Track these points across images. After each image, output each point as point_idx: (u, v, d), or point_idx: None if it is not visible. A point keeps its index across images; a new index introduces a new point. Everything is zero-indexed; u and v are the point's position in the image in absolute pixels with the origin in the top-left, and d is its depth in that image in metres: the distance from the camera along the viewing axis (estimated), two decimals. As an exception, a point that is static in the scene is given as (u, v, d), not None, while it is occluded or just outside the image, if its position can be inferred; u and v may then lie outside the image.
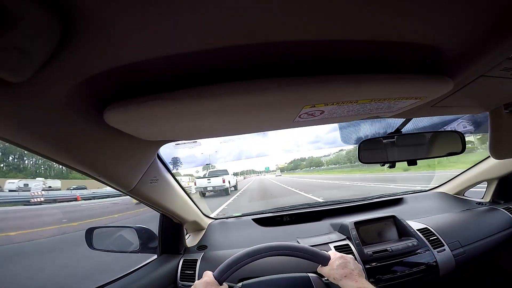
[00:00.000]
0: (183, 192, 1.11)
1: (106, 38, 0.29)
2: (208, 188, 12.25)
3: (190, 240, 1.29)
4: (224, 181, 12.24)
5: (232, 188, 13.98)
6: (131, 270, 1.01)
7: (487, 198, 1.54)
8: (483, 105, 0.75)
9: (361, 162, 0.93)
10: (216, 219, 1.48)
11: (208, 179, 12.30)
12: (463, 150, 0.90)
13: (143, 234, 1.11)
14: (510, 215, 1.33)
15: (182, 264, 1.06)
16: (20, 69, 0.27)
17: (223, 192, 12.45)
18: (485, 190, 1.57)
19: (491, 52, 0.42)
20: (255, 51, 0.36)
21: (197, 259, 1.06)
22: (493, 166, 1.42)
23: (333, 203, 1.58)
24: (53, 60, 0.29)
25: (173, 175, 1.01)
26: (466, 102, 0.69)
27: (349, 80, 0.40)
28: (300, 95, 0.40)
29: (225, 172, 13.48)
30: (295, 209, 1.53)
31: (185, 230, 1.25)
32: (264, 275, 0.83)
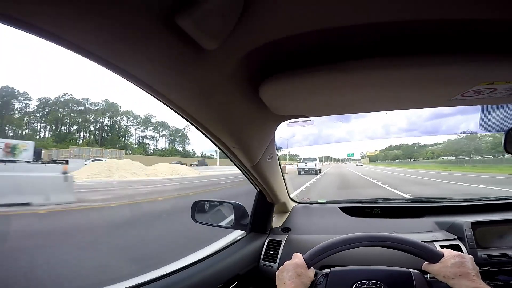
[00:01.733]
0: (281, 173, 1.15)
1: (274, 10, 0.30)
2: (305, 169, 18.37)
3: (275, 221, 1.34)
4: (315, 165, 18.36)
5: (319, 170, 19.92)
6: (223, 245, 1.11)
7: None
8: None
9: (506, 151, 0.77)
10: (300, 203, 1.50)
11: (305, 163, 18.76)
12: None
13: (238, 210, 1.20)
14: None
15: (267, 244, 1.11)
16: (215, 34, 0.30)
17: (312, 172, 18.11)
18: None
19: None
20: (424, 26, 0.33)
21: (281, 241, 1.11)
22: None
23: (439, 200, 1.40)
24: (235, 29, 0.32)
25: (277, 155, 1.04)
26: None
27: None
28: (480, 71, 0.36)
29: (315, 159, 19.51)
30: (390, 203, 1.42)
31: None
32: (349, 265, 0.79)
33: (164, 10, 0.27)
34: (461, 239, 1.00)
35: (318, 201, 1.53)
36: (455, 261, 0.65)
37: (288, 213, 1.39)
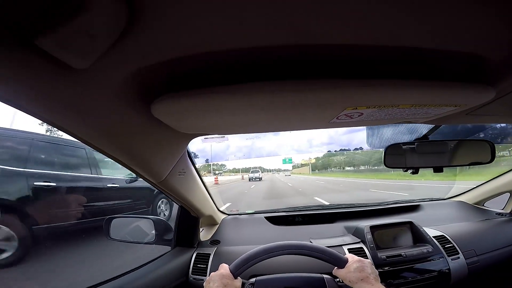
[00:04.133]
0: (204, 187, 1.13)
1: (165, 29, 0.29)
2: (253, 177, 24.84)
3: (204, 234, 1.30)
4: (259, 174, 26.24)
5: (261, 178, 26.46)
6: (145, 262, 1.03)
7: (508, 209, 1.49)
8: None
9: (386, 166, 0.91)
10: (229, 214, 1.50)
11: (253, 174, 26.06)
12: (492, 159, 0.87)
13: (160, 225, 1.13)
14: None
15: (195, 258, 1.07)
16: (85, 55, 0.28)
17: (258, 179, 24.00)
18: (506, 201, 1.52)
19: None
20: (303, 51, 0.36)
21: (210, 254, 1.08)
22: None
23: (348, 206, 1.57)
24: (114, 48, 0.30)
25: (196, 169, 1.02)
26: (503, 111, 0.67)
27: (395, 85, 0.41)
28: (345, 97, 0.41)
29: (258, 171, 27.50)
30: (308, 210, 1.53)
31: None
32: (275, 273, 0.83)
33: (24, 31, 0.25)
34: (364, 242, 1.12)
35: (246, 212, 1.55)
36: (356, 266, 0.71)
37: (217, 225, 1.37)
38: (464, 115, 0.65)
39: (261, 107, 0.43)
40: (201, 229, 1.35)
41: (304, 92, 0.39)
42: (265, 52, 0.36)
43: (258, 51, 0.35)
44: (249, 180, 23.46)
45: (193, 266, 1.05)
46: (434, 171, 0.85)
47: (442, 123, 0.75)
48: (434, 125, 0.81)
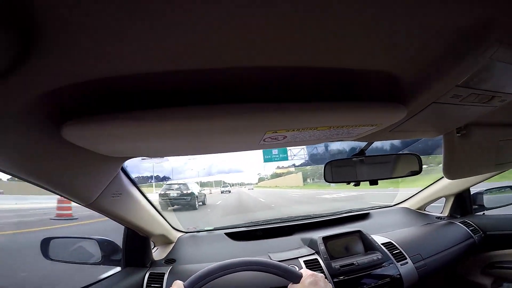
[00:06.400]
0: (150, 206, 1.08)
1: (69, 54, 0.28)
2: (225, 190, 27.45)
3: (158, 253, 1.24)
4: (229, 188, 28.80)
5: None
6: (91, 282, 0.96)
7: (446, 213, 1.66)
8: (437, 129, 0.80)
9: (326, 181, 0.96)
10: (186, 232, 1.45)
11: (224, 187, 29.13)
12: (420, 170, 0.97)
13: (106, 246, 1.06)
14: (465, 228, 1.44)
15: (148, 278, 1.02)
16: None
17: (227, 191, 26.83)
18: (443, 205, 1.69)
19: (440, 80, 0.44)
20: (220, 75, 0.36)
21: (164, 273, 1.03)
22: (449, 183, 1.54)
23: (304, 217, 1.61)
24: (11, 72, 0.28)
25: (139, 189, 0.98)
26: (421, 127, 0.73)
27: (307, 109, 0.42)
28: (261, 122, 0.41)
29: (228, 185, 28.83)
30: (268, 224, 1.54)
31: (152, 243, 1.21)
32: None
33: None
34: (318, 253, 1.15)
35: (205, 228, 1.52)
36: (310, 280, 0.72)
37: (173, 244, 1.31)
38: (388, 132, 0.70)
39: (179, 133, 0.42)
40: (155, 248, 1.29)
41: (221, 118, 0.39)
42: (183, 77, 0.36)
43: (176, 76, 0.35)
44: (221, 193, 25.79)
45: (146, 286, 0.99)
46: (370, 184, 0.92)
47: (371, 140, 0.81)
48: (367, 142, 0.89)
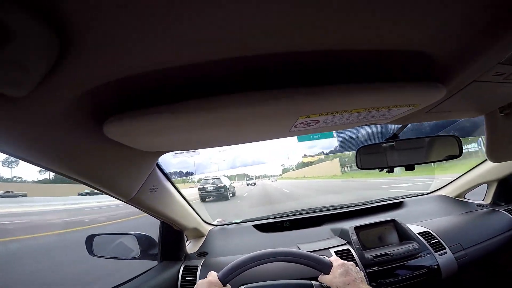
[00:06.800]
0: (183, 200, 1.12)
1: (105, 51, 0.29)
2: (250, 183, 30.83)
3: (191, 247, 1.29)
4: (254, 180, 33.22)
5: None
6: (132, 276, 1.01)
7: (488, 200, 1.53)
8: (478, 109, 0.75)
9: (358, 167, 0.93)
10: (216, 225, 1.49)
11: (249, 180, 31.68)
12: (460, 153, 0.91)
13: (144, 241, 1.12)
14: (511, 216, 1.33)
15: (183, 271, 1.06)
16: (20, 84, 0.28)
17: (253, 184, 31.09)
18: (485, 192, 1.56)
19: (481, 58, 0.42)
20: (250, 63, 0.36)
21: (197, 266, 1.07)
22: (492, 168, 1.43)
23: (333, 207, 1.58)
24: (53, 73, 0.30)
25: (173, 183, 1.02)
26: (460, 107, 0.69)
27: (342, 91, 0.41)
28: (294, 106, 0.41)
29: (253, 178, 30.65)
30: (295, 215, 1.53)
31: (185, 237, 1.26)
32: (266, 280, 0.84)
33: None
34: (350, 243, 1.12)
35: (234, 221, 1.55)
36: (341, 270, 0.72)
37: (204, 237, 1.36)
38: (425, 113, 0.67)
39: (214, 123, 0.43)
40: (188, 242, 1.34)
41: (254, 105, 0.39)
42: (215, 67, 0.36)
43: (207, 66, 0.35)
44: (247, 185, 29.25)
45: (181, 279, 1.03)
46: (406, 170, 0.88)
47: (406, 122, 0.77)
48: (401, 125, 0.84)
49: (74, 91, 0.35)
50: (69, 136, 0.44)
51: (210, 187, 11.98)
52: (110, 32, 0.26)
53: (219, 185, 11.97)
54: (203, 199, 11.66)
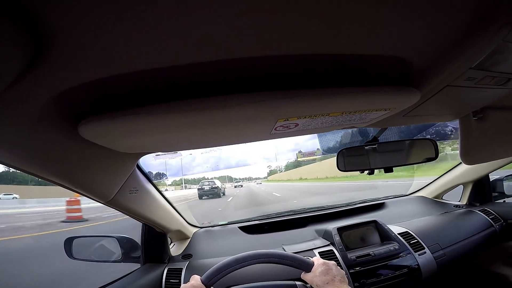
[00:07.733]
0: (166, 202, 1.10)
1: (80, 54, 0.28)
2: (236, 185, 32.95)
3: (175, 249, 1.27)
4: (240, 183, 37.41)
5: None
6: (114, 279, 0.99)
7: (464, 201, 1.61)
8: (453, 113, 0.78)
9: (339, 169, 0.95)
10: (201, 227, 1.47)
11: (236, 183, 35.89)
12: (436, 156, 0.94)
13: (125, 243, 1.09)
14: (485, 217, 1.40)
15: (167, 273, 1.04)
16: None
17: (240, 186, 32.40)
18: (461, 193, 1.64)
19: (454, 63, 0.43)
20: (229, 66, 0.37)
21: (182, 268, 1.05)
22: (467, 170, 1.50)
23: (318, 209, 1.60)
24: (25, 76, 0.29)
25: (154, 185, 1.00)
26: (435, 111, 0.72)
27: (319, 94, 0.42)
28: (272, 110, 0.41)
29: (239, 181, 32.78)
30: (281, 216, 1.55)
31: (169, 239, 1.24)
32: (251, 281, 0.84)
33: None
34: (333, 244, 1.14)
35: (219, 223, 1.54)
36: (321, 269, 0.72)
37: (189, 239, 1.34)
38: (402, 117, 0.69)
39: (192, 126, 0.43)
40: (172, 244, 1.32)
41: (233, 107, 0.39)
42: (193, 70, 0.36)
43: (185, 69, 0.35)
44: (235, 187, 30.05)
45: (165, 281, 1.02)
46: (385, 172, 0.91)
47: (384, 125, 0.79)
48: (380, 128, 0.87)
49: (47, 93, 0.34)
50: (43, 138, 0.43)
51: (206, 187, 15.49)
52: (85, 34, 0.26)
53: (213, 186, 15.59)
54: (200, 196, 15.09)
